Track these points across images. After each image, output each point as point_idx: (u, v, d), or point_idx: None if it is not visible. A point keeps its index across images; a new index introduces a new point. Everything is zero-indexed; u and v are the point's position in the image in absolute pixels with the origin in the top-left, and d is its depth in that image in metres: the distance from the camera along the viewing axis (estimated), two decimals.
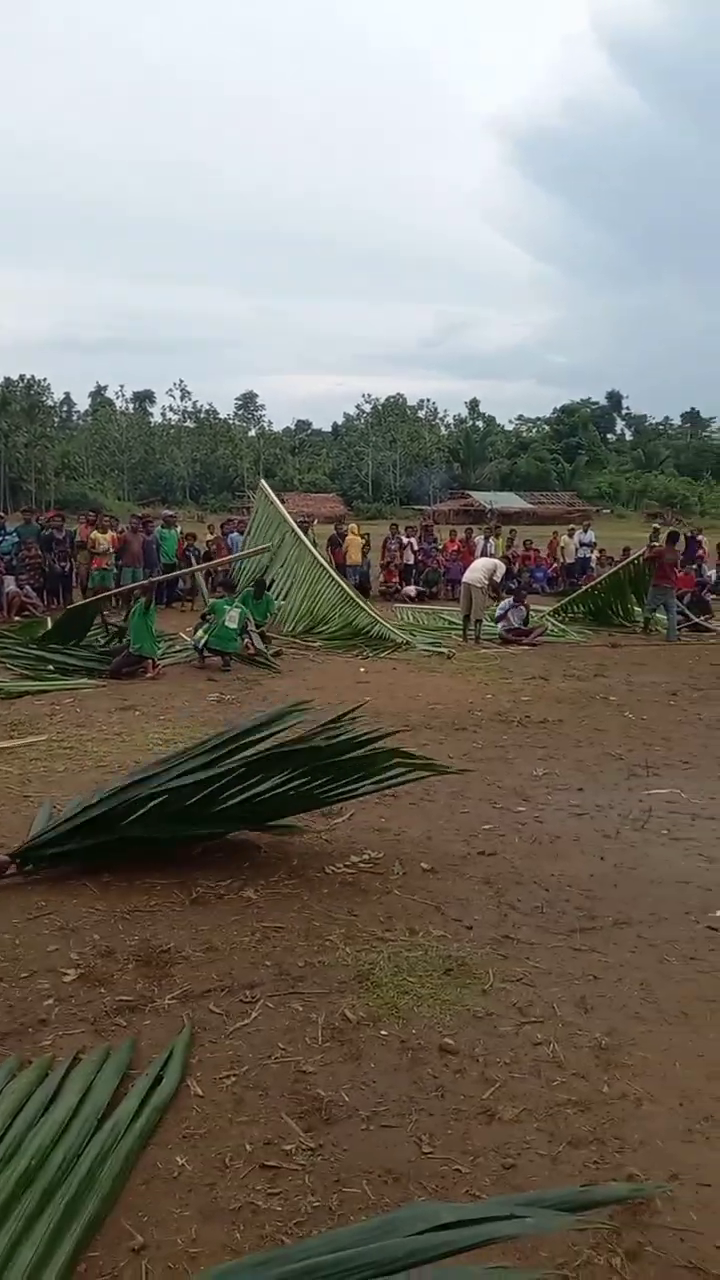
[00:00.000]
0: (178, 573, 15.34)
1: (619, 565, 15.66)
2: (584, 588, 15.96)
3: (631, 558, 15.31)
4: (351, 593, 13.69)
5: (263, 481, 16.72)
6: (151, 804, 4.42)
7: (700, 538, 21.49)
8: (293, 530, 14.22)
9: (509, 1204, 1.90)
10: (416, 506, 64.59)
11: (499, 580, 13.79)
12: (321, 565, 14.05)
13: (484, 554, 17.26)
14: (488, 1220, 1.81)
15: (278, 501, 15.08)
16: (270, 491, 15.36)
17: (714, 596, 17.14)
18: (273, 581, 13.46)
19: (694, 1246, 2.29)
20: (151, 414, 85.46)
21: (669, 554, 13.75)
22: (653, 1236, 2.32)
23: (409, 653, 11.88)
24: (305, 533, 14.84)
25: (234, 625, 10.65)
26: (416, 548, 19.49)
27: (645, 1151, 2.63)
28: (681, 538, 14.98)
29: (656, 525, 16.14)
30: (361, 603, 13.51)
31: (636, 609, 14.75)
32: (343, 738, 4.71)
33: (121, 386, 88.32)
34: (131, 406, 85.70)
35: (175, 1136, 2.67)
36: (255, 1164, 2.56)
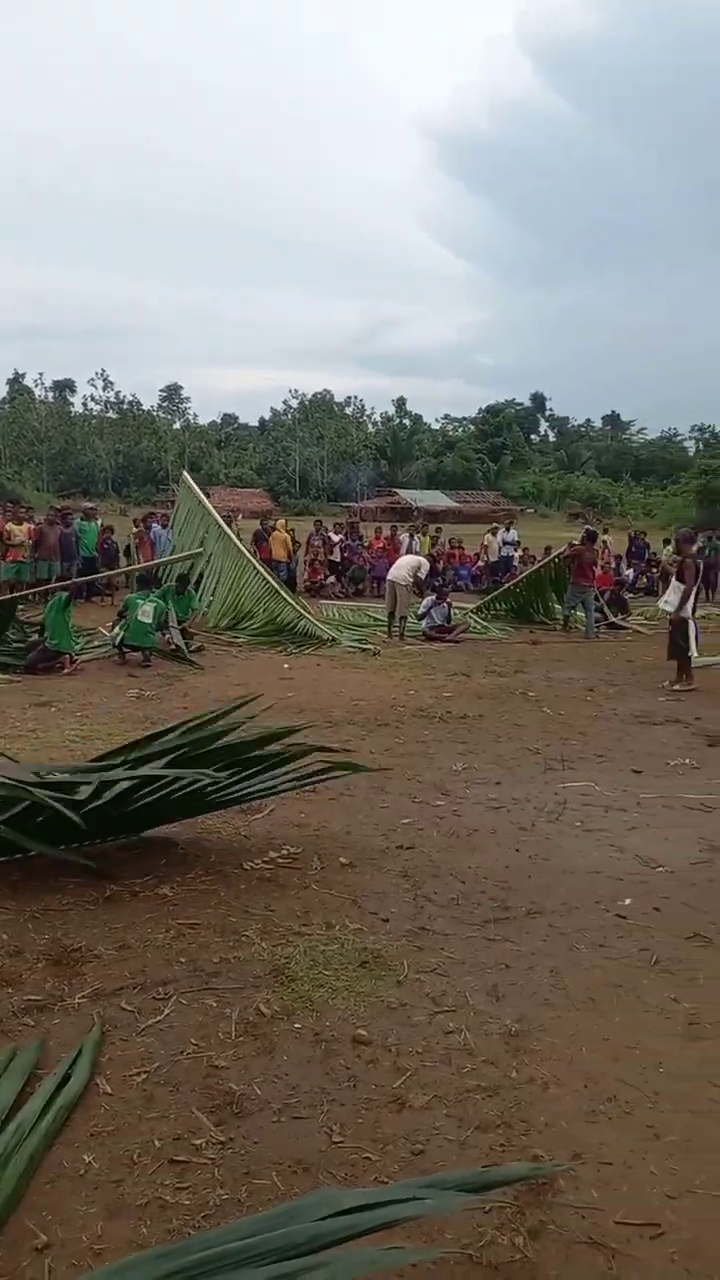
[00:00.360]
0: (111, 573, 15.12)
1: (540, 564, 15.97)
2: (505, 585, 16.24)
3: (552, 556, 15.64)
4: (277, 585, 13.61)
5: (185, 474, 16.37)
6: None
7: (641, 537, 22.21)
8: (216, 523, 14.04)
9: (412, 1187, 1.93)
10: (344, 503, 64.61)
11: (423, 578, 13.93)
12: (246, 558, 13.91)
13: (409, 551, 17.41)
14: (390, 1203, 1.84)
15: (201, 494, 14.82)
16: (193, 484, 15.08)
17: (631, 595, 17.61)
18: (201, 576, 13.31)
19: (594, 1223, 2.36)
20: (72, 404, 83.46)
21: (588, 553, 14.08)
22: (555, 1215, 2.38)
23: (333, 649, 11.90)
24: (229, 527, 14.70)
25: (148, 620, 10.54)
26: (343, 544, 19.55)
27: (550, 1133, 2.69)
28: (600, 536, 15.34)
29: (590, 526, 16.37)
30: (287, 596, 13.46)
31: (557, 606, 15.08)
32: (258, 735, 4.70)
33: (41, 375, 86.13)
34: (51, 396, 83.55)
35: (83, 1135, 2.63)
36: (164, 1159, 2.54)
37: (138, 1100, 2.79)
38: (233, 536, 14.14)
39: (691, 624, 9.96)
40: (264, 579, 13.46)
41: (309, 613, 13.21)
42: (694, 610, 10.16)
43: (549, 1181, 2.48)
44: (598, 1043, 3.15)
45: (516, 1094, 2.87)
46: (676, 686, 9.72)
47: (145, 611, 10.54)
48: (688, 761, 6.89)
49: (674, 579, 10.37)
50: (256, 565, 13.91)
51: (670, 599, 10.08)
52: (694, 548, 10.41)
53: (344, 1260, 1.64)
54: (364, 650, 11.90)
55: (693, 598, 9.99)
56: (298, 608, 13.10)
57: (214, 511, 14.30)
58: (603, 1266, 2.23)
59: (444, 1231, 2.30)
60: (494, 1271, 2.19)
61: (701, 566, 10.45)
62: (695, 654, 10.05)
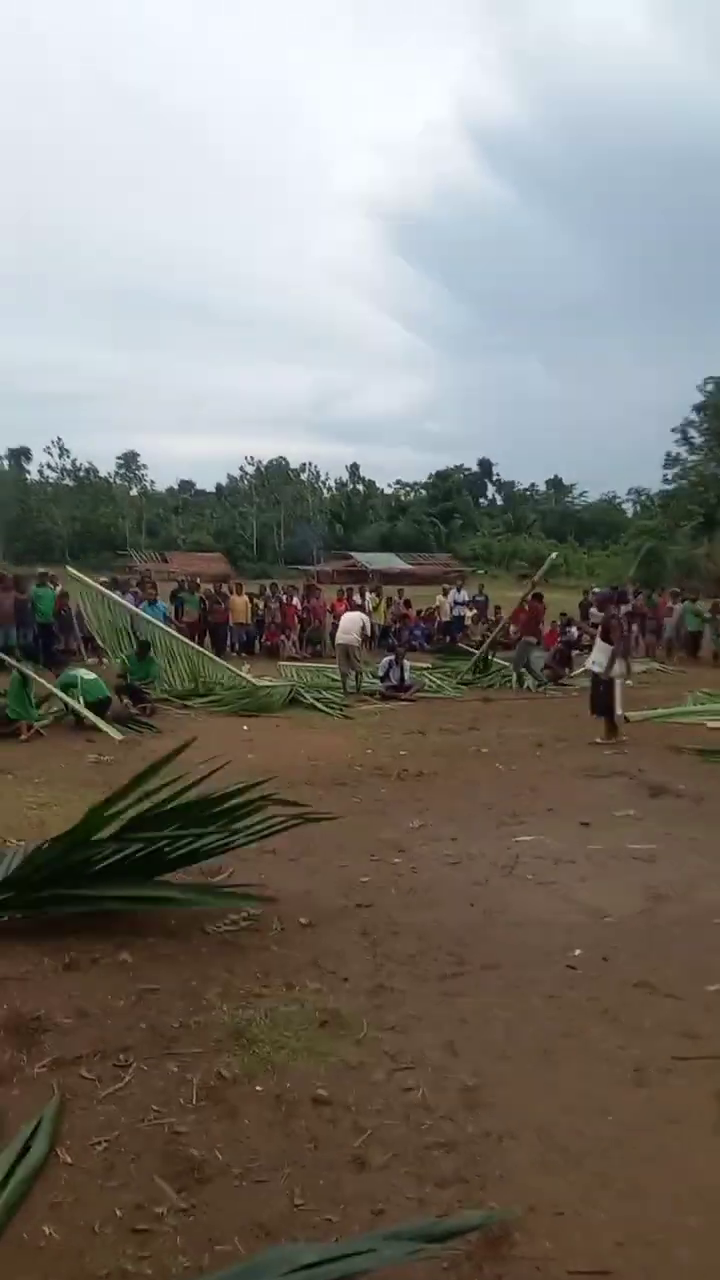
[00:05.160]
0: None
1: (500, 627, 16.72)
2: (461, 646, 16.81)
3: (505, 621, 16.35)
4: (198, 648, 14.48)
5: (68, 568, 16.53)
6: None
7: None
8: (121, 604, 14.34)
9: (369, 1239, 1.99)
10: (301, 566, 65.13)
11: (369, 634, 14.45)
12: (160, 627, 14.29)
13: (360, 608, 17.84)
14: (347, 1256, 1.90)
15: (91, 581, 14.96)
16: (78, 574, 15.30)
17: (578, 652, 17.97)
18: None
19: (548, 1274, 2.42)
20: (29, 471, 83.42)
21: (536, 610, 14.71)
22: (510, 1268, 2.43)
23: (289, 710, 11.99)
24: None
25: (92, 675, 10.99)
26: (301, 607, 19.85)
27: (505, 1186, 2.75)
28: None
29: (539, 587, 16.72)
30: (211, 656, 14.38)
31: (505, 663, 15.59)
32: (218, 792, 4.78)
33: None
34: (6, 463, 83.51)
35: (43, 1207, 2.62)
36: (125, 1229, 2.54)
37: (98, 1169, 2.79)
38: (136, 610, 14.35)
39: (618, 684, 10.07)
40: (182, 642, 14.18)
41: (267, 674, 13.49)
42: (628, 669, 10.31)
43: (504, 1235, 2.53)
44: (550, 1094, 3.23)
45: (473, 1148, 2.92)
46: (600, 740, 9.91)
47: (87, 672, 11.13)
48: (632, 812, 7.07)
49: (599, 639, 10.46)
50: (171, 632, 14.46)
51: (599, 660, 10.17)
52: (622, 609, 10.62)
53: None
54: (329, 713, 12.03)
55: (622, 657, 10.18)
56: (229, 666, 13.94)
57: (107, 592, 14.59)
58: None
59: None
60: None
61: (626, 625, 10.68)
62: (620, 711, 10.18)
